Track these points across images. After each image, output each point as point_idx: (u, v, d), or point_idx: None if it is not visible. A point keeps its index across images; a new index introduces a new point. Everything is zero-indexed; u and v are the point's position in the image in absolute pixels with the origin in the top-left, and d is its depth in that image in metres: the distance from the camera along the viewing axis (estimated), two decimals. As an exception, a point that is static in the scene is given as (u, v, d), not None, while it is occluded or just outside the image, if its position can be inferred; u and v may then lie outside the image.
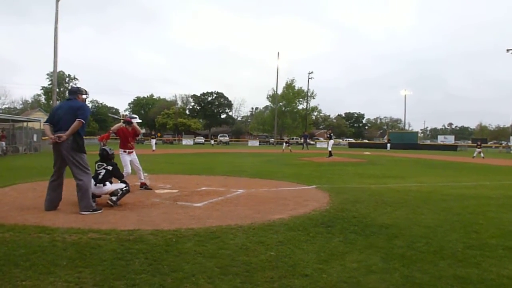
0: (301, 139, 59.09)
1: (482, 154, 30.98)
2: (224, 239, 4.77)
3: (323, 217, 6.22)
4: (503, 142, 67.08)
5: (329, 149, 25.06)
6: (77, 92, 6.99)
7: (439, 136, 69.86)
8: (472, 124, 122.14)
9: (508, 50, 55.11)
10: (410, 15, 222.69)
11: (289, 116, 77.16)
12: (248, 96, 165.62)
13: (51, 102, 44.72)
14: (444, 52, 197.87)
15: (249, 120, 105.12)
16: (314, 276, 3.61)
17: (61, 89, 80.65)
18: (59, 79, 67.08)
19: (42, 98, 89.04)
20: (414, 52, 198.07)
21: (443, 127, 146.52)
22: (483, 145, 36.39)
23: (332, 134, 27.03)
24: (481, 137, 78.58)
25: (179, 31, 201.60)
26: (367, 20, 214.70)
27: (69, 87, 9.51)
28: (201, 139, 70.72)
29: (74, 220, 5.68)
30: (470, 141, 70.84)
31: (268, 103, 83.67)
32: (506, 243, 4.91)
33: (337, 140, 70.53)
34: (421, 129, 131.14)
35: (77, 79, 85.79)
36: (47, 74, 78.51)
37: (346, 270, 3.79)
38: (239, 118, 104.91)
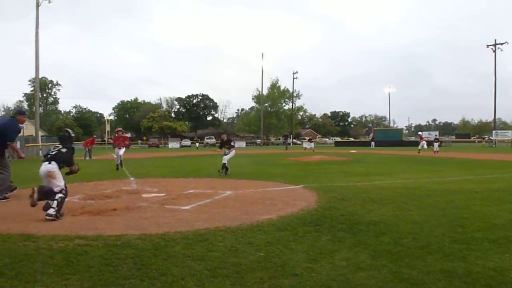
0: (282, 139, 59.34)
1: (425, 146, 33.52)
2: (213, 241, 4.75)
3: (311, 216, 6.24)
4: (485, 136, 68.20)
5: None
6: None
7: (424, 133, 70.63)
8: (456, 120, 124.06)
9: (488, 46, 56.24)
10: (401, 6, 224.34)
11: (274, 116, 77.40)
12: (234, 97, 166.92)
13: (34, 108, 43.99)
14: (434, 46, 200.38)
15: (235, 122, 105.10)
16: (303, 275, 3.62)
17: (44, 95, 79.46)
18: (41, 85, 66.15)
19: (25, 105, 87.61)
20: (403, 46, 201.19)
21: (427, 123, 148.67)
22: (464, 139, 37.84)
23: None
24: (464, 132, 79.90)
25: (161, 29, 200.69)
26: (355, 13, 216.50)
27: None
28: (187, 142, 70.32)
29: (59, 227, 5.59)
30: (454, 137, 71.87)
31: (253, 104, 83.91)
32: (491, 236, 4.99)
33: (323, 139, 71.06)
34: (405, 126, 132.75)
35: (59, 84, 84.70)
36: (29, 80, 77.26)
37: (335, 268, 3.81)
38: (225, 120, 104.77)
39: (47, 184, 6.41)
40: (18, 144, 31.42)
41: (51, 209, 6.12)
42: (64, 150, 6.71)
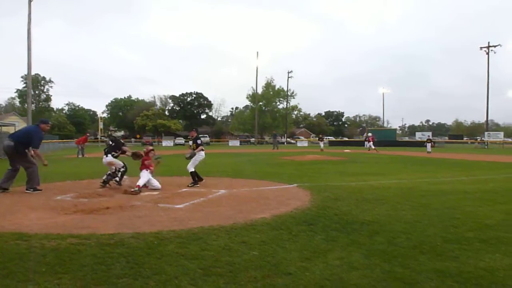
0: (272, 138, 59.13)
1: (373, 146, 36.84)
2: (207, 240, 4.75)
3: (305, 216, 6.26)
4: (478, 137, 68.71)
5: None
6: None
7: (417, 133, 71.00)
8: (449, 121, 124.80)
9: (481, 48, 56.66)
10: (401, 4, 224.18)
11: (269, 115, 77.39)
12: (228, 95, 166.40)
13: (26, 105, 43.66)
14: (430, 47, 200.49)
15: (229, 120, 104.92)
16: (297, 274, 3.63)
17: (36, 92, 78.75)
18: (34, 82, 65.60)
19: (17, 102, 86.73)
20: (399, 47, 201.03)
21: (421, 124, 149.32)
22: (457, 140, 38.18)
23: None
24: (457, 133, 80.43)
25: (156, 27, 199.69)
26: (353, 13, 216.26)
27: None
28: (181, 140, 70.01)
29: (52, 225, 5.56)
30: (447, 137, 72.38)
31: (248, 103, 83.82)
32: (482, 236, 5.04)
33: (316, 138, 71.33)
34: (399, 126, 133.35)
35: (52, 81, 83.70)
36: (22, 77, 76.42)
37: (329, 267, 3.82)
38: (219, 118, 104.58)
39: (111, 168, 9.98)
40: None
41: (117, 178, 9.82)
42: (111, 143, 10.46)
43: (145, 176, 9.15)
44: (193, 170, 10.45)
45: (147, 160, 9.62)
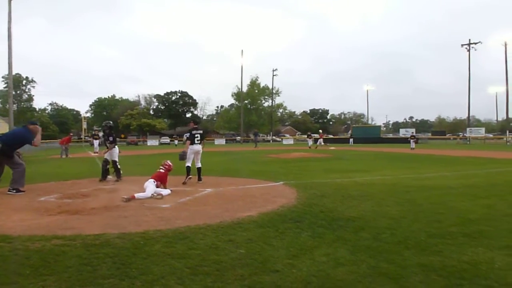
0: (253, 136, 59.17)
1: (322, 143, 42.17)
2: (193, 239, 4.74)
3: (291, 213, 6.29)
4: (460, 133, 69.86)
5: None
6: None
7: (400, 130, 71.80)
8: (432, 117, 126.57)
9: (462, 45, 57.55)
10: (383, 3, 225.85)
11: (254, 113, 77.48)
12: (214, 94, 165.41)
13: (7, 105, 42.78)
14: (414, 44, 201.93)
15: (215, 119, 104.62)
16: (284, 271, 3.65)
17: (18, 92, 77.24)
18: (15, 82, 64.30)
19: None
20: (384, 44, 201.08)
21: (405, 120, 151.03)
22: (440, 137, 38.80)
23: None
24: (439, 129, 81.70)
25: (140, 25, 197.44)
26: (338, 9, 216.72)
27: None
28: (166, 139, 69.58)
29: (36, 227, 5.48)
30: (430, 134, 73.45)
31: (233, 101, 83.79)
32: (465, 230, 5.14)
33: (302, 136, 71.80)
34: (383, 123, 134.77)
35: (34, 81, 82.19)
36: (2, 77, 74.82)
37: (315, 264, 3.85)
38: (204, 117, 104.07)
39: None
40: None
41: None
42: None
43: (148, 191, 7.95)
44: (188, 165, 11.01)
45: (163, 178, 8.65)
